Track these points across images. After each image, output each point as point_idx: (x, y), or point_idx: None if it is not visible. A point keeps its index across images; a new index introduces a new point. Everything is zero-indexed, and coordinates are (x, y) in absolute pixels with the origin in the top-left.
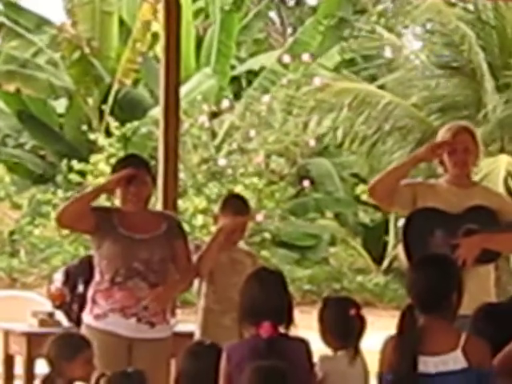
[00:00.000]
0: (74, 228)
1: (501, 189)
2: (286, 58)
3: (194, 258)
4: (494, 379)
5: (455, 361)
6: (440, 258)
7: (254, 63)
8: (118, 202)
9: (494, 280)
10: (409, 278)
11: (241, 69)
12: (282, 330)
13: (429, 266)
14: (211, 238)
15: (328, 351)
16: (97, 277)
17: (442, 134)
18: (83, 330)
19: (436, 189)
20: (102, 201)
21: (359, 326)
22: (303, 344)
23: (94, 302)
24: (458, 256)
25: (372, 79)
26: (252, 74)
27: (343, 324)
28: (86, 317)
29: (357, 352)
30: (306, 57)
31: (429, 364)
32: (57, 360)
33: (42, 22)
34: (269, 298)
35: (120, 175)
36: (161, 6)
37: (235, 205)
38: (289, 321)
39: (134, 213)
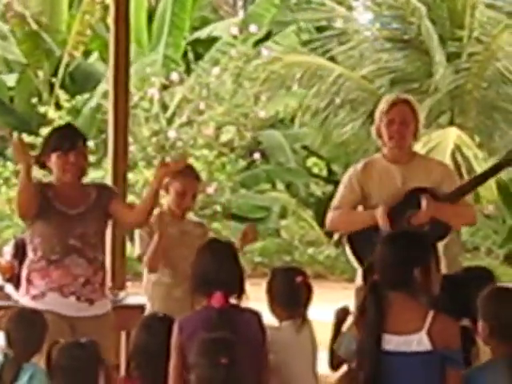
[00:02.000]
0: (29, 215)
1: (448, 162)
2: (235, 31)
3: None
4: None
5: (419, 342)
6: (407, 233)
7: (203, 33)
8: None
9: (444, 251)
10: (374, 253)
11: (190, 38)
12: (233, 300)
13: (393, 242)
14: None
15: (275, 323)
16: (30, 255)
17: (380, 106)
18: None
19: (377, 172)
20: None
21: (306, 294)
22: (255, 315)
23: (29, 282)
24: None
25: (323, 52)
26: (203, 46)
27: (290, 292)
28: (23, 298)
29: (304, 321)
30: (254, 28)
31: (391, 343)
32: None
33: None
34: (220, 268)
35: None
36: None
37: (184, 170)
38: (240, 291)
39: (68, 186)
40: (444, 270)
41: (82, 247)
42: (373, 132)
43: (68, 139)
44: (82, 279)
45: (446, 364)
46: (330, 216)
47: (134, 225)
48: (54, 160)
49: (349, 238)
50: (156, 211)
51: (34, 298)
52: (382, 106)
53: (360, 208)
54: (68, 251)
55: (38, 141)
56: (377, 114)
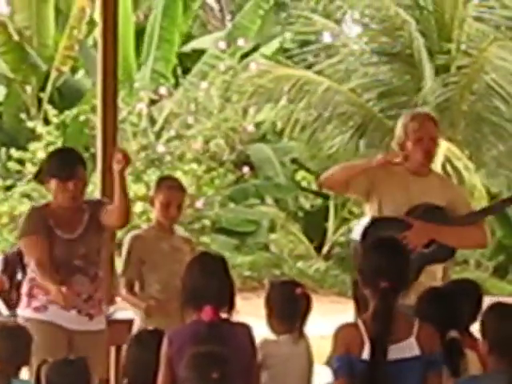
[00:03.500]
0: None
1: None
2: (222, 45)
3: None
4: (440, 364)
5: (410, 348)
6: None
7: (190, 47)
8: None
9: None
10: (378, 258)
11: (178, 52)
12: (224, 314)
13: (399, 250)
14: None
15: (269, 336)
16: (31, 274)
17: (405, 123)
18: (23, 323)
19: (395, 177)
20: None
21: (305, 306)
22: (246, 329)
23: (31, 296)
24: (408, 240)
25: (309, 65)
26: (191, 60)
27: (289, 305)
28: (24, 311)
29: (301, 335)
30: (241, 42)
31: (390, 351)
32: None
33: None
34: (210, 282)
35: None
36: None
37: (167, 182)
38: (231, 305)
39: (66, 209)
40: (436, 282)
41: (85, 266)
42: (393, 144)
43: (68, 167)
44: (85, 296)
45: (428, 370)
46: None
47: (117, 227)
48: (52, 185)
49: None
50: (131, 234)
51: (36, 309)
52: (411, 123)
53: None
54: (73, 272)
55: (27, 156)
56: (402, 129)
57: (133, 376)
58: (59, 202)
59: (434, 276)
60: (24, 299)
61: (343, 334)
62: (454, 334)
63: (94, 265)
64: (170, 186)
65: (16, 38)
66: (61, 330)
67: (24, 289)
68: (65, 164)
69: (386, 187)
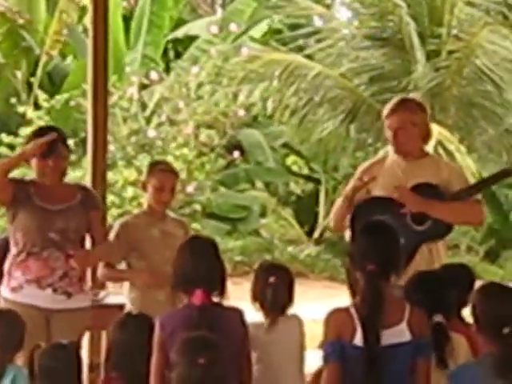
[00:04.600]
0: None
1: None
2: (214, 29)
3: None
4: (430, 349)
5: (401, 333)
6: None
7: (182, 32)
8: (32, 175)
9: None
10: (365, 242)
11: (169, 37)
12: (215, 299)
13: (387, 232)
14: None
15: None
16: (13, 250)
17: (383, 118)
18: (1, 304)
19: (384, 166)
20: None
21: (285, 291)
22: (238, 313)
23: (9, 274)
24: (401, 198)
25: (299, 49)
26: (182, 45)
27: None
28: (3, 290)
29: (289, 317)
30: (234, 27)
31: (382, 337)
32: None
33: None
34: (200, 266)
35: (38, 144)
36: None
37: (162, 165)
38: (222, 289)
39: (49, 185)
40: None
41: (61, 241)
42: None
43: (47, 144)
44: (60, 272)
45: (416, 355)
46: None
47: None
48: (34, 162)
49: (352, 223)
50: (120, 221)
51: (13, 290)
52: (386, 120)
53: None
54: (47, 244)
55: (18, 141)
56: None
57: (116, 360)
58: (42, 179)
59: (439, 256)
60: (5, 278)
61: (334, 319)
62: (438, 318)
63: (71, 243)
64: (163, 169)
65: (14, 22)
66: (37, 310)
67: (6, 265)
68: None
69: (375, 182)
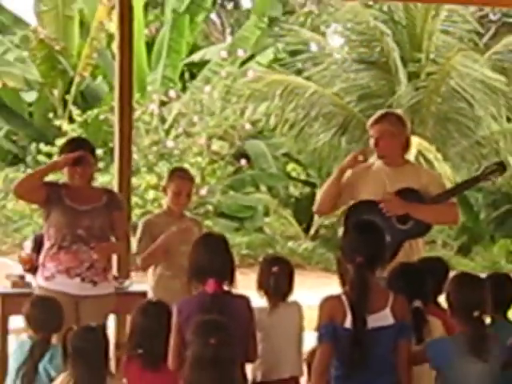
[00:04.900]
0: (27, 199)
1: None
2: (224, 54)
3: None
4: (410, 331)
5: (385, 317)
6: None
7: (197, 56)
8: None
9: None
10: (355, 238)
11: (186, 61)
12: (226, 287)
13: (373, 230)
14: (161, 240)
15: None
16: (46, 244)
17: (368, 128)
18: (37, 291)
19: (370, 171)
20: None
21: (286, 279)
22: (245, 300)
23: (43, 265)
24: (385, 208)
25: (298, 72)
26: (197, 68)
27: (271, 279)
28: (38, 279)
29: (289, 303)
30: (241, 52)
31: (368, 321)
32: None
33: (14, 21)
34: (213, 258)
35: (68, 157)
36: (115, 9)
37: (179, 173)
38: (232, 279)
39: (78, 187)
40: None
41: (87, 237)
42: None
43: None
44: (87, 264)
45: (398, 336)
46: None
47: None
48: (65, 169)
49: (345, 224)
50: (143, 220)
51: (47, 278)
52: (369, 130)
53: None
54: (76, 239)
55: (54, 150)
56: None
57: (136, 340)
58: (72, 184)
59: (419, 250)
60: (40, 268)
61: (327, 304)
62: (417, 303)
63: (96, 239)
64: (181, 176)
65: (51, 48)
66: (67, 296)
67: (40, 258)
68: (73, 151)
69: (363, 182)
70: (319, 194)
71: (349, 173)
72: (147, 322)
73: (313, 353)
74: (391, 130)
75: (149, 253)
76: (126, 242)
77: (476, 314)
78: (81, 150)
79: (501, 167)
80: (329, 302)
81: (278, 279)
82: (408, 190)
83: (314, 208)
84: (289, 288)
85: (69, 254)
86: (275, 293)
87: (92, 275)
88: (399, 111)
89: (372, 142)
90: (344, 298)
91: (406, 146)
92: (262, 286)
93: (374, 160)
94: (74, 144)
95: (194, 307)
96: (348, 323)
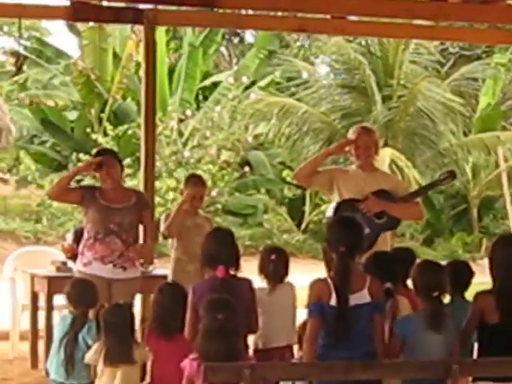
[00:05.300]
0: (62, 200)
1: (387, 171)
2: (231, 79)
3: (166, 222)
4: (383, 308)
5: (363, 296)
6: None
7: (209, 82)
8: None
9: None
10: (338, 231)
11: (200, 85)
12: (232, 272)
13: (353, 225)
14: (176, 208)
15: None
16: (85, 236)
17: (349, 135)
18: (77, 274)
19: (349, 174)
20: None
21: (283, 265)
22: (248, 282)
23: (82, 254)
24: (365, 206)
25: (292, 94)
26: (209, 91)
27: (270, 264)
28: (78, 265)
29: (286, 284)
30: (245, 79)
31: (350, 299)
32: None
33: (57, 54)
34: (222, 248)
35: (87, 162)
36: (142, 43)
37: (194, 179)
38: (237, 265)
39: (111, 189)
40: (386, 246)
41: (118, 231)
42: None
43: (99, 160)
44: (118, 253)
45: (374, 312)
46: None
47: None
48: (98, 175)
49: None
50: (164, 215)
51: (85, 265)
52: (351, 135)
53: (332, 197)
54: (108, 233)
55: None
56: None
57: (156, 315)
58: (104, 185)
59: (386, 241)
60: (79, 255)
61: (316, 286)
62: (388, 285)
63: (125, 232)
64: (195, 182)
65: (89, 76)
66: (101, 279)
67: (80, 247)
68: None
69: (343, 182)
70: (303, 164)
71: (333, 166)
72: (163, 299)
73: (304, 326)
74: (371, 140)
75: (170, 222)
76: (153, 236)
77: (435, 294)
78: (100, 157)
79: (452, 174)
80: (317, 284)
81: (275, 265)
82: (382, 191)
83: (293, 173)
84: (285, 272)
85: (103, 245)
86: (273, 276)
87: (122, 262)
88: (374, 127)
89: (353, 151)
90: (329, 280)
91: (376, 152)
92: (263, 270)
93: (350, 166)
94: (97, 153)
95: (206, 289)
96: (333, 301)
